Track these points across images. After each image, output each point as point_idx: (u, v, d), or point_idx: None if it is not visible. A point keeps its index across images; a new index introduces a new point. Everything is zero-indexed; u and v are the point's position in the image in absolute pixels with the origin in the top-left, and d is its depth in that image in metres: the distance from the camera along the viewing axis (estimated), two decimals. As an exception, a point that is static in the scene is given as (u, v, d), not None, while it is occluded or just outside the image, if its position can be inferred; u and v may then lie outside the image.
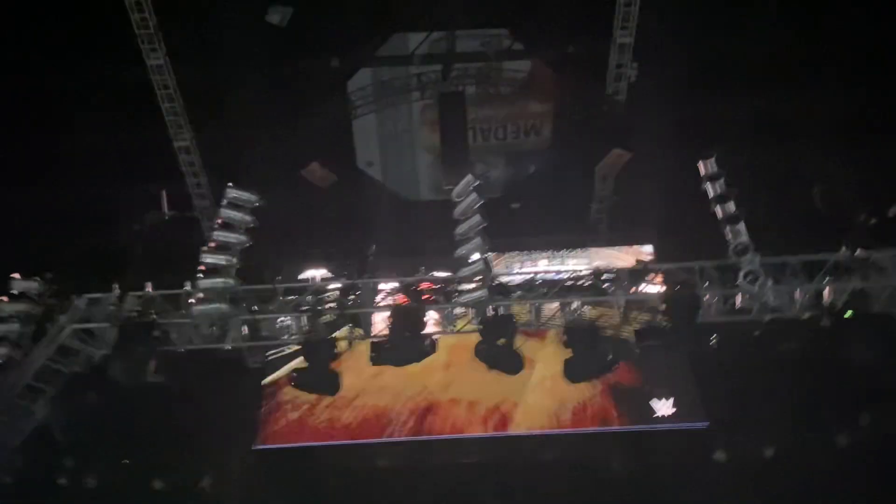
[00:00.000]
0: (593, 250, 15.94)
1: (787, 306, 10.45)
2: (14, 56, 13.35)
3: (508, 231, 15.47)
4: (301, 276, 13.82)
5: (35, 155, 14.47)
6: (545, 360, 13.92)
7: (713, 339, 10.61)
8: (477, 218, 10.71)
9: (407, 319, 10.45)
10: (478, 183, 10.89)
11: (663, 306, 10.42)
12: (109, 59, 13.76)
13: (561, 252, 16.01)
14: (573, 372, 10.69)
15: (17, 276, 10.69)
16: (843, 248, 10.36)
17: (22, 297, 10.62)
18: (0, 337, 10.36)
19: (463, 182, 10.92)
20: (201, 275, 10.51)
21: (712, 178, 10.40)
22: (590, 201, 16.39)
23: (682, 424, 14.23)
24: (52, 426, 10.69)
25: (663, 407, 14.33)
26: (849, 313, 10.24)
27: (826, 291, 10.31)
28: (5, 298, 10.55)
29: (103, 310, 10.71)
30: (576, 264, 15.57)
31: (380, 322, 10.97)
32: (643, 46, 13.97)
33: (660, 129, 14.04)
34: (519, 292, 10.79)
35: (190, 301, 10.59)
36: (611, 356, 10.49)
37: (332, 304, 10.83)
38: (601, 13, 13.74)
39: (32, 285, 10.73)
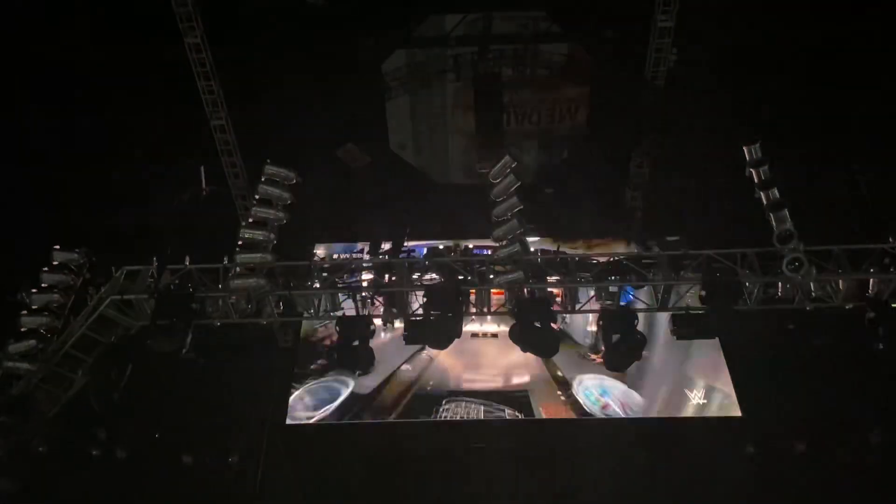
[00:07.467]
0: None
1: (829, 296, 10.26)
2: (54, 33, 13.45)
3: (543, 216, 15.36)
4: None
5: (76, 131, 14.65)
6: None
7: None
8: (514, 200, 10.59)
9: (443, 299, 10.40)
10: (515, 164, 10.76)
11: (702, 293, 10.27)
12: (148, 37, 13.83)
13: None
14: (612, 360, 10.60)
15: (58, 247, 10.80)
16: (891, 239, 10.12)
17: (62, 267, 10.71)
18: (41, 307, 10.48)
19: (500, 163, 10.76)
20: (239, 249, 10.53)
21: (757, 164, 10.16)
22: (625, 188, 16.19)
23: (714, 414, 14.14)
24: (89, 396, 10.75)
25: (696, 396, 14.28)
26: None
27: (871, 282, 10.09)
28: (46, 269, 10.65)
29: (142, 282, 10.77)
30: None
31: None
32: (684, 31, 13.71)
33: (699, 116, 13.83)
34: (556, 276, 10.68)
35: (228, 275, 10.61)
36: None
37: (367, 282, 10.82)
38: (641, -4, 13.50)
39: (73, 257, 10.80)
